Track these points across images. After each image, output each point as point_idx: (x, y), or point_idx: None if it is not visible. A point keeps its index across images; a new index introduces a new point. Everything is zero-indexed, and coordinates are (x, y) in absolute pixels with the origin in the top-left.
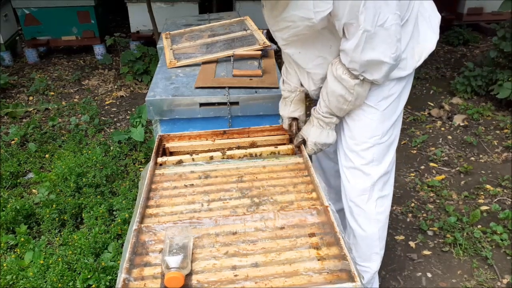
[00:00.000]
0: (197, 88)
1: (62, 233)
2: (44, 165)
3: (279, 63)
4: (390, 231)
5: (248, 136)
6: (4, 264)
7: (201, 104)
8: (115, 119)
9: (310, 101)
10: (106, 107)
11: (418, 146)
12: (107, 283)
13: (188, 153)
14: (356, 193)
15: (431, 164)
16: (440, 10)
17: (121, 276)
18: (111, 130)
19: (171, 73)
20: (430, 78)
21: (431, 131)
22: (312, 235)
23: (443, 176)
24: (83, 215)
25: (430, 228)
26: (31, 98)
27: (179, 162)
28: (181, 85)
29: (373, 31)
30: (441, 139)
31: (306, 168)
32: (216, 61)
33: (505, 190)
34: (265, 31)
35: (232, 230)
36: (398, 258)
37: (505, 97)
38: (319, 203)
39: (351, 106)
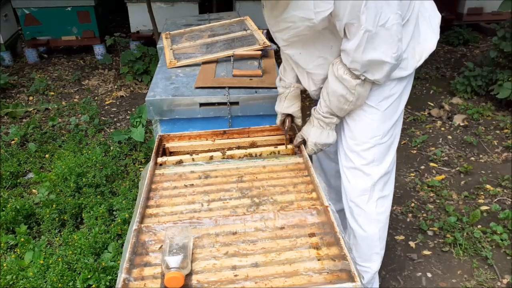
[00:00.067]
0: (197, 88)
1: (62, 233)
2: (44, 165)
3: (279, 63)
4: (390, 231)
5: (248, 136)
6: (4, 264)
7: (201, 104)
8: (115, 119)
9: (310, 101)
10: (106, 107)
11: (418, 146)
12: (107, 283)
13: (188, 153)
14: (357, 194)
15: (431, 164)
16: (440, 10)
17: (121, 276)
18: (111, 130)
19: (171, 73)
20: (430, 78)
21: (431, 131)
22: (312, 235)
23: (443, 176)
24: (83, 215)
25: (430, 228)
26: (31, 98)
27: (179, 162)
28: (181, 85)
29: (375, 31)
30: (441, 139)
31: (306, 168)
32: (216, 61)
33: (505, 190)
34: (265, 31)
35: (232, 230)
36: (398, 258)
37: (505, 97)
38: (319, 203)
39: (352, 106)
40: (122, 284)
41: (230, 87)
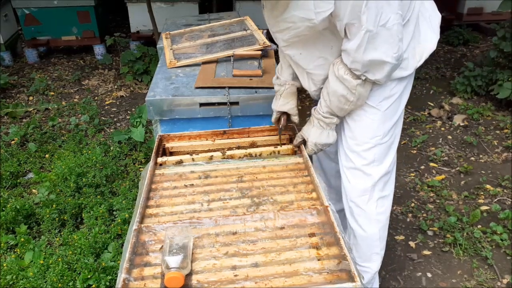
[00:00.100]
0: (197, 88)
1: (62, 233)
2: (44, 165)
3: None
4: (390, 231)
5: (248, 136)
6: (4, 264)
7: (201, 104)
8: (115, 119)
9: (310, 101)
10: (106, 107)
11: (418, 146)
12: (107, 283)
13: (188, 153)
14: (357, 194)
15: (431, 164)
16: (440, 10)
17: (121, 276)
18: (111, 130)
19: (171, 73)
20: (430, 78)
21: (431, 131)
22: (312, 235)
23: (443, 176)
24: (83, 215)
25: (430, 228)
26: (31, 98)
27: (179, 162)
28: (181, 85)
29: (375, 31)
30: (441, 139)
31: (306, 168)
32: (216, 61)
33: (505, 190)
34: (265, 31)
35: (232, 230)
36: (398, 258)
37: (505, 97)
38: (319, 203)
39: (352, 106)
40: (122, 284)
41: (230, 87)
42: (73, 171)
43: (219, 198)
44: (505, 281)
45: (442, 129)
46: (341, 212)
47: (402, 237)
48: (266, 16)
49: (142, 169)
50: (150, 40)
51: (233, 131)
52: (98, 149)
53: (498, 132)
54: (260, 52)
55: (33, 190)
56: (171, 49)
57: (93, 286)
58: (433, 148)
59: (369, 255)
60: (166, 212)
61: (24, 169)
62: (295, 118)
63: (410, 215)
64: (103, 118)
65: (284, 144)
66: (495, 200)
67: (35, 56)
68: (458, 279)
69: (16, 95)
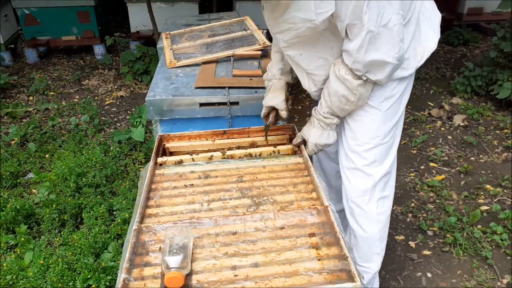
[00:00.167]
0: (197, 88)
1: (62, 233)
2: (44, 165)
3: None
4: (390, 231)
5: (248, 136)
6: (4, 264)
7: (201, 104)
8: (115, 119)
9: (310, 101)
10: (106, 107)
11: (418, 146)
12: (107, 283)
13: (188, 153)
14: (357, 194)
15: (431, 164)
16: (440, 10)
17: (121, 276)
18: (111, 130)
19: (171, 73)
20: (430, 78)
21: (431, 131)
22: (312, 235)
23: (443, 176)
24: (83, 215)
25: (430, 228)
26: (31, 98)
27: (179, 162)
28: (181, 85)
29: (377, 31)
30: (441, 139)
31: (306, 168)
32: (216, 61)
33: (505, 190)
34: (265, 31)
35: (232, 230)
36: (398, 258)
37: (505, 97)
38: (319, 203)
39: (353, 107)
40: (122, 284)
41: (230, 87)
42: (73, 171)
43: (219, 198)
44: (505, 281)
45: (442, 129)
46: (341, 212)
47: (402, 237)
48: (266, 17)
49: (142, 169)
50: (150, 40)
51: (233, 131)
52: (98, 149)
53: (498, 132)
54: (260, 52)
55: (33, 190)
56: (171, 49)
57: (93, 286)
58: (433, 148)
59: (370, 256)
60: (166, 212)
61: (24, 169)
62: (283, 113)
63: (410, 215)
64: (103, 118)
65: (284, 144)
66: (495, 200)
67: (35, 56)
68: (458, 279)
69: (16, 95)
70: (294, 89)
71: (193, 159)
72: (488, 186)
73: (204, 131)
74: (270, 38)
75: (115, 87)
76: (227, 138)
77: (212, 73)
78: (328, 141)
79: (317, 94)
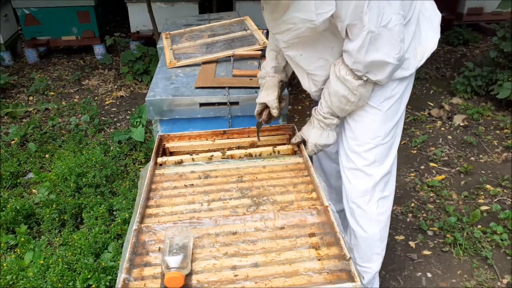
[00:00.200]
0: (197, 88)
1: (62, 233)
2: (44, 165)
3: None
4: (390, 231)
5: (248, 136)
6: (4, 264)
7: (201, 104)
8: (115, 119)
9: (310, 101)
10: (106, 107)
11: (418, 146)
12: (107, 283)
13: (188, 153)
14: (358, 194)
15: (431, 164)
16: (440, 10)
17: (121, 276)
18: (111, 130)
19: (171, 73)
20: (430, 78)
21: (431, 131)
22: (312, 235)
23: (443, 176)
24: (83, 215)
25: (430, 228)
26: (31, 98)
27: (179, 162)
28: (181, 85)
29: (377, 32)
30: (441, 139)
31: (306, 168)
32: (216, 61)
33: (505, 190)
34: (265, 31)
35: (232, 230)
36: (398, 258)
37: (505, 97)
38: (319, 203)
39: (353, 107)
40: (122, 284)
41: (230, 87)
42: (73, 171)
43: (219, 198)
44: (505, 281)
45: (442, 129)
46: (341, 213)
47: (402, 237)
48: (266, 18)
49: (142, 169)
50: (150, 40)
51: (233, 131)
52: (98, 149)
53: (498, 132)
54: (260, 52)
55: (33, 190)
56: (171, 49)
57: (93, 286)
58: (433, 148)
59: (370, 256)
60: (166, 212)
61: (24, 169)
62: (274, 112)
63: (410, 215)
64: (103, 118)
65: (284, 144)
66: (495, 200)
67: (35, 56)
68: (458, 279)
69: (16, 95)
70: (294, 89)
71: (193, 159)
72: (488, 186)
73: (204, 131)
74: None
75: (115, 87)
76: (227, 138)
77: (212, 73)
78: (328, 141)
79: (317, 95)
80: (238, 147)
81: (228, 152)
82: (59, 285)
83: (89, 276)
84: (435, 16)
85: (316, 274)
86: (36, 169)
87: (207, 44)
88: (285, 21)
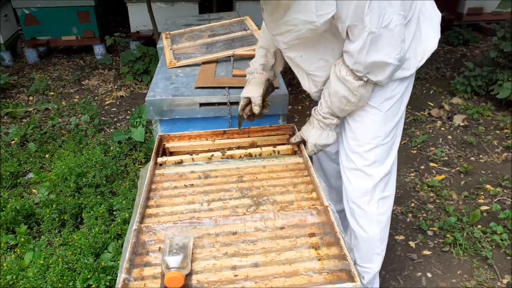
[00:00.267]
0: (197, 88)
1: (62, 233)
2: (44, 165)
3: None
4: (390, 231)
5: (248, 136)
6: (4, 264)
7: (201, 104)
8: (115, 119)
9: (310, 101)
10: (106, 107)
11: (418, 146)
12: (107, 283)
13: (188, 153)
14: (358, 194)
15: (431, 164)
16: (440, 10)
17: (121, 276)
18: (111, 130)
19: (171, 73)
20: (430, 78)
21: (431, 131)
22: (312, 235)
23: (443, 176)
24: (83, 215)
25: (430, 228)
26: (31, 98)
27: (179, 162)
28: (181, 85)
29: (378, 32)
30: (441, 139)
31: (306, 168)
32: (216, 61)
33: (505, 190)
34: None
35: (232, 230)
36: (398, 258)
37: (505, 97)
38: (319, 203)
39: (353, 108)
40: (122, 284)
41: (230, 87)
42: (73, 171)
43: (219, 198)
44: (505, 281)
45: (442, 129)
46: (341, 213)
47: (402, 237)
48: (266, 19)
49: (142, 169)
50: (150, 40)
51: (233, 131)
52: (98, 149)
53: (498, 132)
54: None
55: (33, 190)
56: (171, 49)
57: (93, 286)
58: (433, 148)
59: (370, 256)
60: (166, 212)
61: (24, 169)
62: (256, 108)
63: (410, 215)
64: (103, 118)
65: (284, 144)
66: (495, 200)
67: (35, 56)
68: (458, 279)
69: (16, 95)
70: (294, 89)
71: (193, 159)
72: (488, 186)
73: (204, 131)
74: None
75: (115, 87)
76: (227, 138)
77: (212, 73)
78: (327, 141)
79: (317, 95)
80: (238, 147)
81: (228, 152)
82: (59, 285)
83: (89, 276)
84: (435, 16)
85: (316, 274)
86: (36, 169)
87: (207, 44)
88: (285, 23)
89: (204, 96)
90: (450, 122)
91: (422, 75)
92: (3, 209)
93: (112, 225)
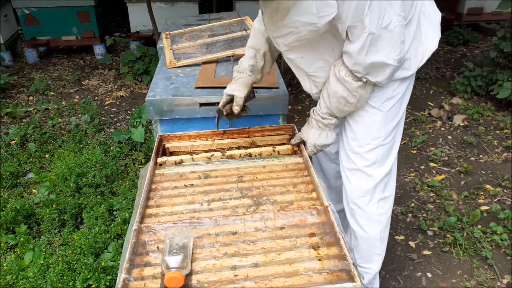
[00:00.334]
0: (197, 88)
1: (62, 233)
2: (44, 165)
3: (279, 63)
4: (390, 231)
5: (248, 136)
6: (4, 264)
7: (201, 104)
8: (115, 119)
9: (310, 101)
10: (106, 107)
11: (418, 146)
12: (107, 283)
13: (188, 153)
14: (358, 195)
15: (431, 164)
16: (440, 10)
17: (121, 276)
18: (111, 130)
19: (171, 73)
20: (430, 78)
21: (431, 131)
22: (312, 235)
23: (443, 176)
24: (83, 215)
25: (430, 228)
26: (31, 98)
27: (179, 162)
28: (181, 85)
29: (378, 33)
30: (441, 139)
31: (306, 168)
32: (216, 61)
33: (505, 190)
34: None
35: (232, 230)
36: (398, 258)
37: (505, 97)
38: (319, 203)
39: (352, 108)
40: (122, 284)
41: None
42: (73, 171)
43: (219, 198)
44: (505, 281)
45: (442, 129)
46: (341, 213)
47: (402, 237)
48: (266, 21)
49: (142, 169)
50: (150, 40)
51: (233, 131)
52: (98, 149)
53: (498, 132)
54: None
55: (33, 190)
56: (171, 49)
57: (93, 286)
58: (433, 148)
59: (370, 256)
60: (166, 212)
61: (24, 169)
62: (235, 108)
63: (410, 215)
64: (103, 118)
65: (283, 144)
66: (495, 200)
67: (35, 56)
68: (458, 279)
69: (16, 95)
70: (294, 89)
71: (193, 159)
72: (488, 186)
73: (204, 131)
74: None
75: (115, 87)
76: (227, 138)
77: (212, 73)
78: (327, 142)
79: (318, 96)
80: (238, 147)
81: (228, 152)
82: (59, 285)
83: (89, 276)
84: (435, 16)
85: (316, 274)
86: (36, 169)
87: (207, 44)
88: (286, 25)
89: (204, 96)
90: (450, 122)
91: (422, 75)
92: (3, 209)
93: (112, 225)
